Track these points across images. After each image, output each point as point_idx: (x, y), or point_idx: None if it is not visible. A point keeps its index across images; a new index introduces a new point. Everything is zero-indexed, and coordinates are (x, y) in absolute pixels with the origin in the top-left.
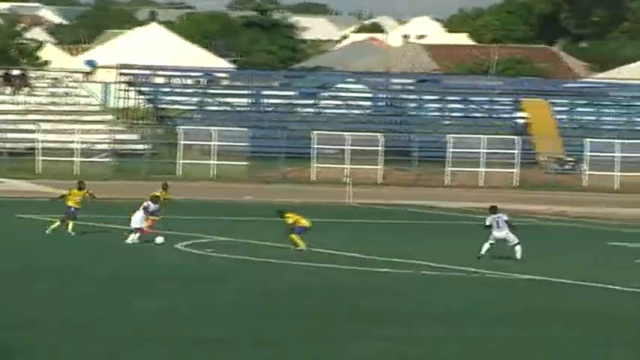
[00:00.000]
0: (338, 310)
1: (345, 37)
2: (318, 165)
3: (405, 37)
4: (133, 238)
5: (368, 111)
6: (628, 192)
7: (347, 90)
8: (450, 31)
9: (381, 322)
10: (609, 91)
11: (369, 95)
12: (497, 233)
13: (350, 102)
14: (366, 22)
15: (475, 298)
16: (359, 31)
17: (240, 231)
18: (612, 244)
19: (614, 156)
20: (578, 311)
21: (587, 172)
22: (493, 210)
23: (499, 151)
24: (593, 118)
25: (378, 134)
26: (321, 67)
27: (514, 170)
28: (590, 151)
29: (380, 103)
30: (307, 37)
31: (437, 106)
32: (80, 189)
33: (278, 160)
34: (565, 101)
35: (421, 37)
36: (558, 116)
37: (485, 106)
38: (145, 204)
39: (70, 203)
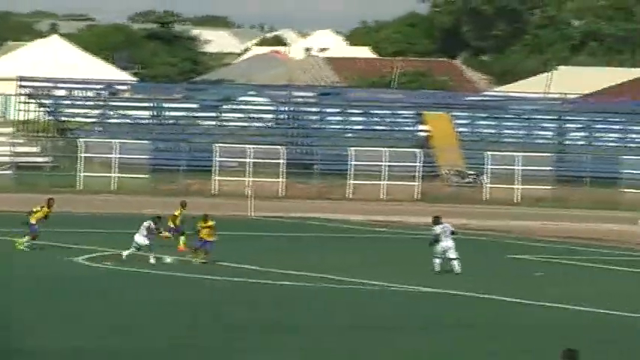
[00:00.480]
0: (242, 322)
1: (247, 50)
2: (220, 178)
3: (307, 50)
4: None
5: (270, 124)
6: (528, 205)
7: (249, 103)
8: (352, 44)
9: (289, 334)
10: (510, 104)
11: (271, 108)
12: (445, 243)
13: (252, 115)
14: (268, 35)
15: (379, 310)
16: (261, 44)
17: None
18: (512, 257)
19: (514, 169)
20: (484, 323)
21: (488, 185)
22: (437, 220)
23: (401, 164)
24: (494, 131)
25: (280, 147)
26: (223, 79)
27: (416, 183)
28: (491, 164)
29: (282, 116)
30: (209, 49)
31: (339, 118)
32: (49, 206)
33: (179, 173)
34: (466, 114)
35: (323, 50)
36: (460, 129)
37: (387, 119)
38: (146, 224)
39: (33, 220)
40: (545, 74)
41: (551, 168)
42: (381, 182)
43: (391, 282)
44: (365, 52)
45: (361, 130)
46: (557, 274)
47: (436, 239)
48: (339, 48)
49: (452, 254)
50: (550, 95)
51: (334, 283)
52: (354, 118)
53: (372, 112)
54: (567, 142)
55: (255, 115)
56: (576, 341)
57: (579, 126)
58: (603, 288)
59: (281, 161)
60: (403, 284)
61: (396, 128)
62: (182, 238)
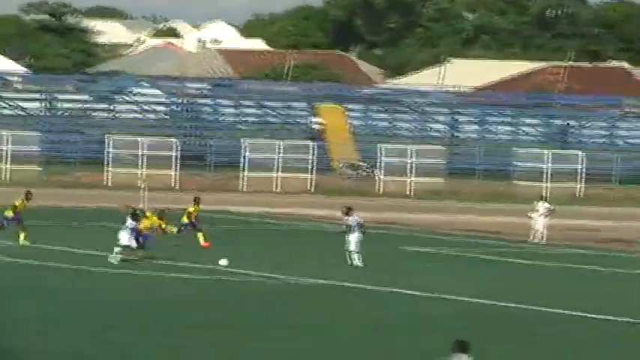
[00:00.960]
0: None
1: (140, 42)
2: (113, 169)
3: (201, 41)
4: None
5: (163, 116)
6: (420, 198)
7: (142, 94)
8: (246, 37)
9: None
10: (403, 98)
11: (165, 100)
12: (357, 235)
13: (145, 106)
14: (161, 26)
15: (260, 305)
16: (155, 35)
17: (36, 236)
18: (404, 249)
19: (407, 162)
20: (377, 316)
21: (382, 178)
22: (349, 212)
23: (294, 156)
24: (387, 123)
25: (173, 139)
26: (117, 71)
27: (309, 176)
28: (384, 157)
29: (175, 108)
30: (102, 40)
31: (232, 110)
32: (28, 199)
33: (72, 165)
34: (360, 107)
35: (217, 42)
36: (353, 122)
37: (281, 111)
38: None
39: (10, 213)
40: (438, 67)
41: (444, 161)
42: (275, 174)
43: (285, 274)
44: (259, 44)
45: (255, 122)
46: (450, 267)
47: (349, 230)
48: (233, 40)
49: (357, 248)
50: (443, 88)
51: (235, 276)
52: (247, 110)
53: (265, 104)
54: (460, 135)
55: (149, 107)
56: (471, 333)
57: (472, 119)
58: (496, 280)
59: (174, 153)
60: (298, 276)
61: (290, 120)
62: (200, 234)
